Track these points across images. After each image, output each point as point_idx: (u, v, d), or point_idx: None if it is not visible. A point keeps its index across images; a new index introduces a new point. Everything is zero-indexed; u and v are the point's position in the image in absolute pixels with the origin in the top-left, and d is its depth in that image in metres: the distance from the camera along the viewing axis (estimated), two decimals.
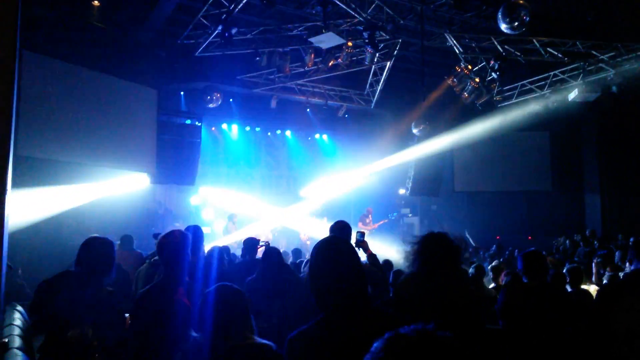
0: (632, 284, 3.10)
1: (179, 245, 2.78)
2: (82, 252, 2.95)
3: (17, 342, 2.94)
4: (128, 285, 4.57)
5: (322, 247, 1.82)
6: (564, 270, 4.84)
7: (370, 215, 13.05)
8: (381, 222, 13.32)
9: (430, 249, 2.85)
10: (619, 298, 3.07)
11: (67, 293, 2.80)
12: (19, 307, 3.82)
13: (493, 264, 5.84)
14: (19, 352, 2.74)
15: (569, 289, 4.59)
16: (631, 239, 8.21)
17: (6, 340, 2.82)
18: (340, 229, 3.69)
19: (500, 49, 10.11)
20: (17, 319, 3.51)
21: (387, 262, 5.44)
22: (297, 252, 7.40)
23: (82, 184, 8.42)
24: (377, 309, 2.13)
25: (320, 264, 1.78)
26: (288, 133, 14.78)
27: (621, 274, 5.17)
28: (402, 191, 14.52)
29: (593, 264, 6.03)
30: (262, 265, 4.07)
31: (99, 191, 8.77)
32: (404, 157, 13.66)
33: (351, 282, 1.73)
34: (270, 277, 3.90)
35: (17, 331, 3.18)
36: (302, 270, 5.28)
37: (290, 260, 6.80)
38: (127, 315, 3.03)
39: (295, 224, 12.82)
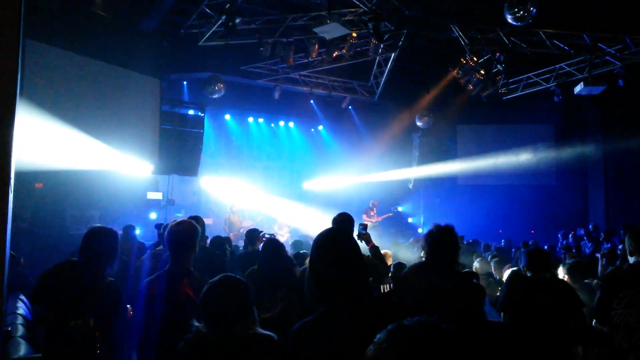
0: (630, 280, 3.10)
1: (187, 236, 2.78)
2: (86, 242, 2.95)
3: (20, 330, 2.96)
4: (128, 275, 4.58)
5: (321, 239, 1.80)
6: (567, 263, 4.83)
7: (375, 208, 12.99)
8: (385, 216, 13.29)
9: (436, 242, 2.85)
10: (618, 293, 3.07)
11: (70, 283, 2.81)
12: (22, 296, 3.84)
13: (496, 258, 5.84)
14: (22, 341, 2.75)
15: None
16: None
17: (9, 328, 2.83)
18: (343, 222, 3.68)
19: (505, 40, 10.01)
20: (20, 307, 3.53)
21: (388, 255, 5.43)
22: (297, 244, 7.40)
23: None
24: (380, 299, 2.12)
25: (320, 256, 1.77)
26: (291, 124, 14.74)
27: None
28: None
29: (599, 257, 6.00)
30: (261, 256, 4.09)
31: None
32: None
33: (351, 273, 1.71)
34: (269, 269, 3.90)
35: (20, 320, 3.20)
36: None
37: (290, 252, 6.79)
38: (128, 306, 3.03)
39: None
